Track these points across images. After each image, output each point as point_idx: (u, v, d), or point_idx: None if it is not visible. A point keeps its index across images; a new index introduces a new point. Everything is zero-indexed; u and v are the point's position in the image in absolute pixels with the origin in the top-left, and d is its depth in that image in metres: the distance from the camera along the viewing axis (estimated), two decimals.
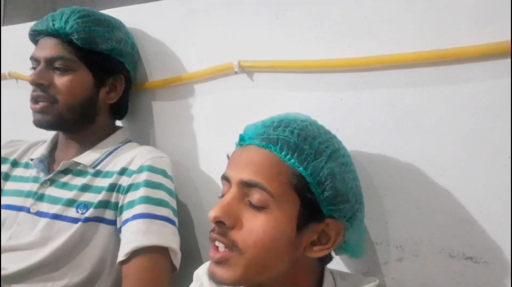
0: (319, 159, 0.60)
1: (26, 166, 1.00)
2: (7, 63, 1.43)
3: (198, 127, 1.02)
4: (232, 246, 0.58)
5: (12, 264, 0.86)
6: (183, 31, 1.01)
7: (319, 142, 0.62)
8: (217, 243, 0.60)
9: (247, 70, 0.90)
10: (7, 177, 0.99)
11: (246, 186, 0.59)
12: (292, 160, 0.59)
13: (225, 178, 0.63)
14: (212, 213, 0.58)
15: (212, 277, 0.60)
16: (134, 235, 0.83)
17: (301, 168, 0.59)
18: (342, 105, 0.79)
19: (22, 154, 1.03)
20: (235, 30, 0.91)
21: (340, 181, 0.61)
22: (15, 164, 1.01)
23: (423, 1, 0.68)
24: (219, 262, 0.59)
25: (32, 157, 1.00)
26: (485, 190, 0.67)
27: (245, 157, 0.62)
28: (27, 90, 0.95)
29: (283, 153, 0.59)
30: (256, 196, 0.58)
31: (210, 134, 1.00)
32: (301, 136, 0.61)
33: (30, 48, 1.00)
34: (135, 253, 0.83)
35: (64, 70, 0.92)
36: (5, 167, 1.00)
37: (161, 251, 0.84)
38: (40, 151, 1.00)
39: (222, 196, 0.64)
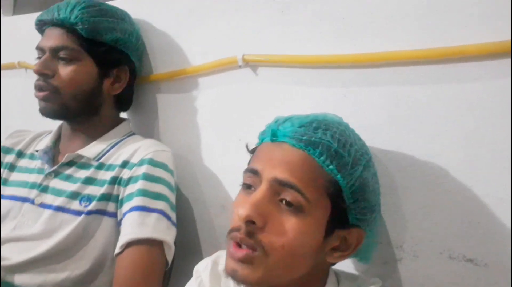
0: (355, 168, 0.58)
1: (31, 157, 1.01)
2: (17, 53, 1.44)
3: (202, 120, 1.02)
4: (258, 247, 0.56)
5: (16, 254, 0.87)
6: (188, 24, 1.00)
7: (355, 150, 0.60)
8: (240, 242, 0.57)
9: (251, 64, 0.89)
10: (13, 167, 1.00)
11: (280, 184, 0.56)
12: (331, 167, 0.57)
13: (253, 171, 0.60)
14: (243, 211, 0.55)
15: (233, 275, 0.57)
16: (130, 228, 0.84)
17: (338, 176, 0.57)
18: (345, 101, 0.78)
19: (27, 145, 1.04)
20: (240, 24, 0.91)
21: (371, 192, 0.61)
22: (20, 154, 1.02)
23: None
24: (242, 260, 0.56)
25: (37, 148, 1.00)
26: (488, 191, 0.65)
27: (280, 155, 0.58)
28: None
29: (323, 157, 0.57)
30: (290, 197, 0.56)
31: (213, 127, 1.00)
32: (341, 141, 0.59)
33: (39, 37, 1.00)
34: (129, 245, 0.83)
35: (68, 60, 0.92)
36: (10, 158, 1.01)
37: (154, 244, 0.84)
38: (45, 142, 1.01)
39: (244, 185, 0.61)
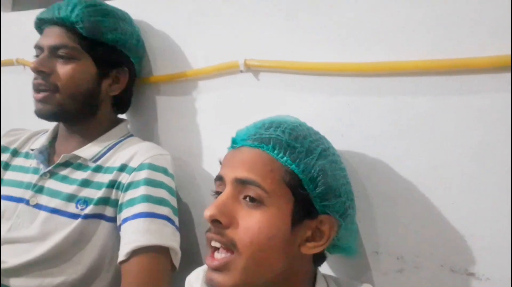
0: (311, 157, 0.62)
1: (27, 156, 0.99)
2: (15, 49, 1.43)
3: (202, 124, 1.01)
4: (230, 245, 0.59)
5: (11, 258, 0.86)
6: (190, 26, 0.99)
7: (310, 141, 0.64)
8: (213, 244, 0.60)
9: (253, 69, 0.88)
10: (7, 166, 0.99)
11: (240, 183, 0.60)
12: (285, 158, 0.61)
13: (219, 178, 0.64)
14: (208, 212, 0.59)
15: (211, 284, 0.60)
16: (134, 235, 0.83)
17: (293, 165, 0.61)
18: (348, 110, 0.77)
19: (23, 144, 1.02)
20: (243, 29, 0.90)
21: (331, 177, 0.63)
22: (15, 153, 1.01)
23: (437, 9, 0.66)
24: (217, 269, 0.59)
25: (33, 147, 0.99)
26: (491, 205, 0.65)
27: (238, 158, 0.63)
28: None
29: (276, 151, 0.61)
30: (250, 193, 0.59)
31: (213, 131, 0.99)
32: (292, 135, 0.63)
33: (37, 34, 0.99)
34: (135, 253, 0.82)
35: (67, 59, 0.91)
36: (5, 156, 1.00)
37: (161, 251, 0.84)
38: (40, 142, 0.99)
39: (215, 193, 0.65)
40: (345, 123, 0.77)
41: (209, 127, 1.00)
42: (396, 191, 0.73)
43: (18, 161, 0.99)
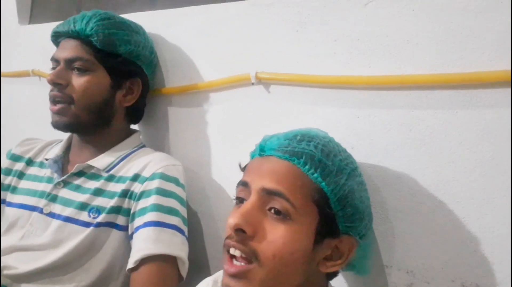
0: (340, 176, 0.61)
1: (41, 165, 1.01)
2: (31, 61, 1.46)
3: (213, 135, 1.02)
4: (251, 255, 0.57)
5: (23, 264, 0.87)
6: (202, 39, 1.00)
7: (340, 159, 0.62)
8: (232, 252, 0.59)
9: (264, 81, 0.89)
10: (22, 175, 1.01)
11: (268, 194, 0.59)
12: (315, 175, 0.59)
13: (243, 183, 0.62)
14: (233, 220, 0.57)
15: None
16: (144, 243, 0.84)
17: (323, 183, 0.59)
18: (358, 123, 0.77)
19: (37, 153, 1.04)
20: (254, 42, 0.91)
21: (358, 199, 0.62)
22: (30, 162, 1.03)
23: (447, 23, 0.66)
24: (236, 276, 0.58)
25: (47, 157, 1.01)
26: (503, 221, 0.64)
27: (267, 167, 0.61)
28: (49, 88, 0.96)
29: (307, 166, 0.60)
30: (277, 205, 0.58)
31: (224, 143, 1.00)
32: (324, 151, 0.61)
33: (52, 46, 1.02)
34: (144, 261, 0.83)
35: (82, 71, 0.93)
36: (20, 165, 1.02)
37: (169, 260, 0.84)
38: (55, 151, 1.01)
39: (237, 199, 0.64)
40: (355, 135, 0.78)
41: (220, 138, 1.01)
42: (406, 205, 0.73)
43: (32, 171, 1.01)
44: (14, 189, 0.99)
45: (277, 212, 0.58)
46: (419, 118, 0.70)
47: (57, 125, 0.95)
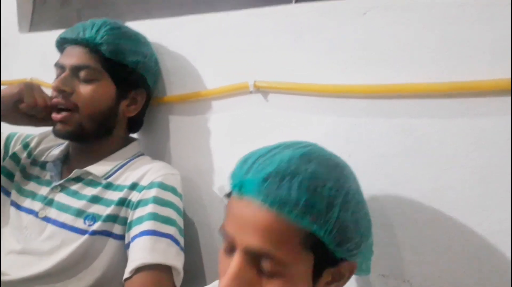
0: (332, 211, 0.55)
1: (42, 166, 1.01)
2: (31, 69, 1.46)
3: (211, 144, 1.02)
4: None
5: (16, 270, 0.87)
6: (201, 48, 1.01)
7: (330, 188, 0.56)
8: None
9: (262, 90, 0.90)
10: (26, 173, 1.00)
11: (254, 254, 0.54)
12: (305, 221, 0.54)
13: (227, 235, 0.58)
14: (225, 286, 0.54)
15: None
16: (140, 253, 0.83)
17: (314, 227, 0.54)
18: (355, 131, 0.78)
19: (42, 153, 1.03)
20: (252, 50, 0.91)
21: (354, 230, 0.58)
22: (34, 162, 1.02)
23: (443, 31, 0.67)
24: None
25: (48, 159, 1.00)
26: (500, 228, 0.64)
27: (249, 218, 0.55)
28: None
29: (293, 214, 0.53)
30: (266, 265, 0.54)
31: (222, 152, 1.00)
32: (310, 188, 0.55)
33: (53, 55, 1.01)
34: (139, 270, 0.82)
35: (89, 79, 0.92)
36: (26, 161, 1.01)
37: (164, 270, 0.84)
38: (55, 154, 1.01)
39: (226, 249, 0.59)
40: (352, 143, 0.78)
41: (219, 147, 1.01)
42: (402, 213, 0.73)
43: (35, 171, 1.00)
44: (19, 190, 0.98)
45: (270, 274, 0.54)
46: (416, 126, 0.71)
47: (59, 134, 0.94)
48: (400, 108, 0.72)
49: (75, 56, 0.93)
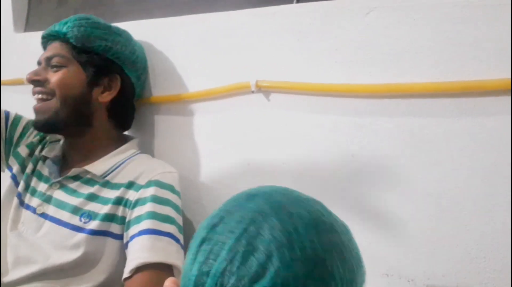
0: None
1: (44, 162, 1.01)
2: (26, 69, 1.44)
3: (212, 143, 1.01)
4: None
5: (12, 268, 0.86)
6: (203, 47, 1.01)
7: (306, 249, 0.42)
8: None
9: (264, 90, 0.90)
10: (38, 173, 1.00)
11: None
12: None
13: None
14: None
15: None
16: (139, 252, 0.82)
17: None
18: (359, 131, 0.78)
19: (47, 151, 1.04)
20: (255, 50, 0.91)
21: None
22: (42, 158, 1.02)
23: (448, 31, 0.68)
24: None
25: (47, 155, 1.00)
26: (504, 227, 0.64)
27: None
28: None
29: None
30: None
31: (223, 151, 0.99)
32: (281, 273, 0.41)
33: None
34: (139, 269, 0.81)
35: (58, 67, 0.95)
36: (38, 158, 1.02)
37: (165, 269, 0.83)
38: (55, 151, 1.00)
39: None
40: (355, 144, 0.78)
41: (219, 147, 1.00)
42: (407, 213, 0.73)
43: (39, 166, 1.00)
44: (27, 183, 0.98)
45: None
46: (419, 126, 0.71)
47: (37, 125, 0.95)
48: (404, 108, 0.72)
49: (49, 49, 0.97)
